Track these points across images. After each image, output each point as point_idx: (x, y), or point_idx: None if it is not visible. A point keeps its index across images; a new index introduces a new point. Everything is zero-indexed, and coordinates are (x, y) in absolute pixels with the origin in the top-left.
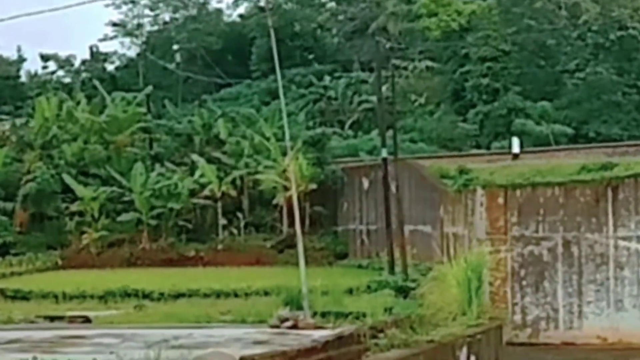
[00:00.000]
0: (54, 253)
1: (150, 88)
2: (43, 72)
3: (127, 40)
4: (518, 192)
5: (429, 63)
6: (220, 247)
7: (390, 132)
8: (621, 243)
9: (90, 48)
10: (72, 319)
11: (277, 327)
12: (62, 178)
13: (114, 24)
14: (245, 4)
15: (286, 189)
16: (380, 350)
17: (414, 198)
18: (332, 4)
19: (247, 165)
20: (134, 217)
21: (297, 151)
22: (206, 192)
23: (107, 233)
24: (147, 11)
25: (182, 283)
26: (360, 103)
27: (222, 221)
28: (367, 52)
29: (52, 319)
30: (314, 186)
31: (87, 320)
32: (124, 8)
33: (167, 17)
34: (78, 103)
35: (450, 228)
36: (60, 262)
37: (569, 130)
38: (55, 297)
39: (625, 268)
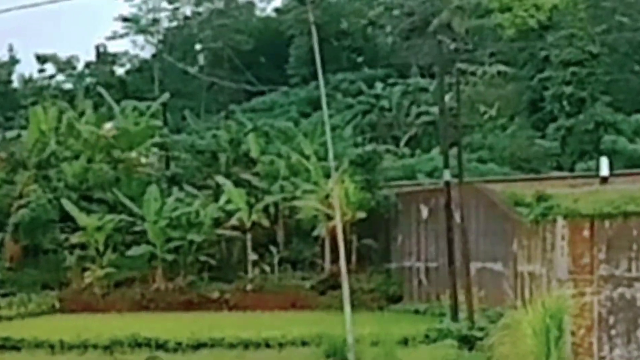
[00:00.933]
0: (51, 293)
1: (167, 96)
2: (39, 76)
3: (140, 38)
4: (607, 223)
5: (502, 67)
6: (249, 287)
7: (454, 150)
8: None
9: (97, 48)
10: None
11: None
12: (61, 204)
13: (125, 19)
14: None
15: (329, 218)
16: None
17: (482, 230)
18: None
19: (282, 190)
20: (146, 251)
21: (342, 173)
22: (233, 221)
23: (114, 270)
24: (164, 4)
25: (204, 331)
26: (418, 115)
27: (252, 256)
28: (427, 54)
29: None
30: (362, 215)
31: None
32: (137, 1)
33: (188, 11)
34: (81, 114)
35: (525, 266)
36: (57, 305)
37: None
38: (52, 346)
39: None
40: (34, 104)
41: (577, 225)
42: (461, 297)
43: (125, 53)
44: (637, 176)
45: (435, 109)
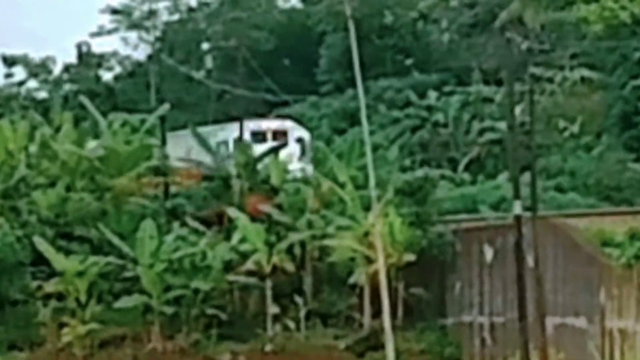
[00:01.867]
0: (19, 355)
1: (166, 107)
2: (6, 82)
3: (132, 35)
4: None
5: (586, 73)
6: (269, 348)
7: (526, 177)
8: None
9: (78, 47)
10: None
11: None
12: (33, 243)
13: (114, 11)
14: None
15: (370, 261)
16: None
17: (561, 276)
18: None
19: (310, 226)
20: (139, 301)
21: (386, 204)
22: (249, 265)
23: (100, 326)
24: None
25: None
26: (481, 132)
27: (273, 309)
28: (493, 55)
29: None
30: (411, 257)
31: None
32: None
33: (192, 1)
34: (58, 129)
35: (615, 321)
36: None
37: None
38: None
39: None
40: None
41: None
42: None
43: (114, 54)
44: None
45: (502, 125)
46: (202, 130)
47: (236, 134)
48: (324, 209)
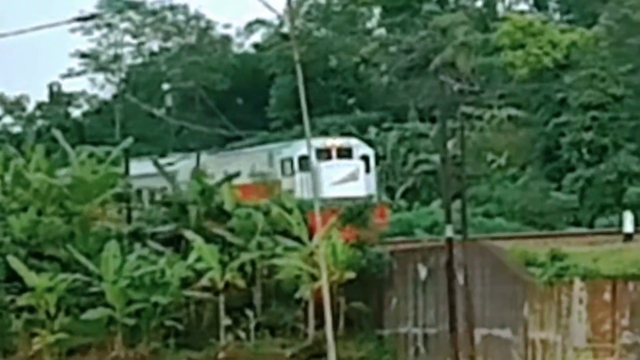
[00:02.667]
0: None
1: (130, 141)
2: None
3: (99, 76)
4: (631, 285)
5: (512, 111)
6: (221, 355)
7: (457, 204)
8: None
9: (50, 87)
10: None
11: None
12: (7, 261)
13: (83, 55)
14: (262, 30)
15: (314, 278)
16: None
17: (488, 293)
18: (382, 31)
19: (260, 247)
20: (104, 314)
21: (330, 228)
22: (204, 282)
23: (67, 336)
24: (127, 38)
25: None
26: (417, 164)
27: (226, 321)
28: (427, 95)
29: None
30: (352, 275)
31: None
32: (97, 34)
33: (154, 46)
34: (30, 160)
35: (537, 333)
36: None
37: None
38: None
39: None
40: None
41: (597, 287)
42: None
43: (83, 93)
44: None
45: (436, 157)
46: (268, 147)
47: (302, 151)
48: (273, 233)
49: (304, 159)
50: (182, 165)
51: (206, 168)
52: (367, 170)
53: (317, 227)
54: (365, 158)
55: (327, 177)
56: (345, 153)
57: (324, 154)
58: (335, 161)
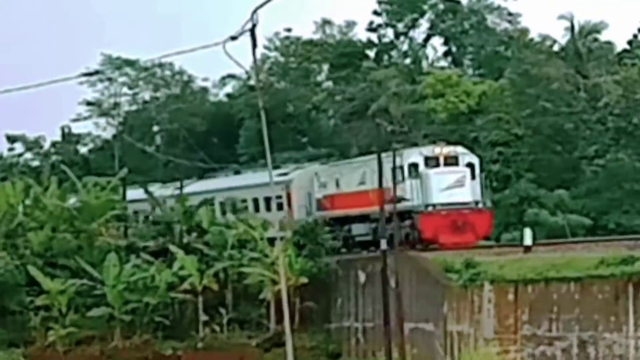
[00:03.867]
0: (16, 351)
1: (125, 171)
2: (9, 154)
3: (102, 120)
4: (530, 288)
5: None
6: (200, 345)
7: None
8: None
9: (62, 129)
10: None
11: None
12: (27, 269)
13: (89, 103)
14: (233, 83)
15: (274, 283)
16: None
17: (415, 293)
18: (329, 84)
19: (231, 257)
20: (105, 312)
21: (287, 242)
22: (186, 285)
23: (76, 329)
24: (125, 89)
25: None
26: None
27: (203, 317)
28: (366, 135)
29: None
30: (305, 280)
31: None
32: (100, 86)
33: (147, 96)
34: (46, 188)
35: (454, 326)
36: None
37: (587, 221)
38: None
39: None
40: (3, 179)
41: (503, 289)
42: (395, 355)
43: (89, 134)
44: (557, 245)
45: None
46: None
47: (412, 159)
48: (242, 246)
49: (413, 167)
50: (296, 174)
51: (319, 177)
52: (473, 177)
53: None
54: (470, 165)
55: (436, 184)
56: (452, 161)
57: (432, 161)
58: (443, 168)
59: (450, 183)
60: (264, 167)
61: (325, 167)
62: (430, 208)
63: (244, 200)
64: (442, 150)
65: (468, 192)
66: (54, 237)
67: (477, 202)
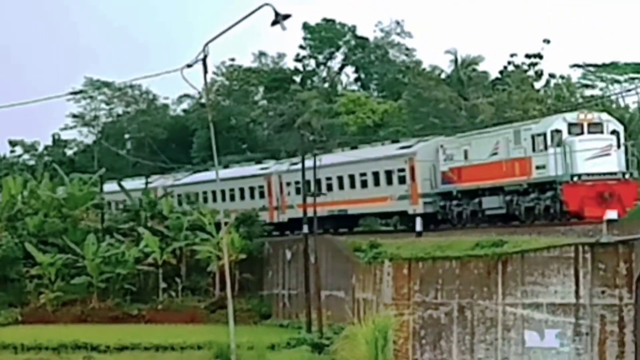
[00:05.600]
0: (15, 310)
1: (103, 170)
2: (10, 155)
3: (84, 129)
4: (420, 264)
5: None
6: (160, 307)
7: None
8: (508, 309)
9: (53, 136)
10: None
11: None
12: (24, 246)
13: (74, 116)
14: (188, 101)
15: (219, 258)
16: None
17: (330, 268)
18: (264, 102)
19: (186, 238)
20: (85, 280)
21: (230, 226)
22: (149, 260)
23: (62, 294)
24: (103, 105)
25: (126, 338)
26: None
27: (163, 285)
28: (293, 143)
29: None
30: (243, 256)
31: None
32: (83, 102)
33: (120, 110)
34: (40, 182)
35: (361, 294)
36: (20, 318)
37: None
38: (15, 348)
39: (512, 330)
40: (6, 175)
41: (399, 265)
42: (314, 316)
43: (74, 140)
44: (442, 231)
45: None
46: (514, 125)
47: (555, 126)
48: (194, 229)
49: (556, 133)
50: (419, 147)
51: (445, 149)
52: (618, 145)
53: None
54: (615, 133)
55: (581, 152)
56: (596, 128)
57: (576, 128)
58: (587, 135)
59: (596, 151)
60: (380, 143)
61: (451, 138)
62: (575, 178)
63: (364, 174)
64: (586, 116)
65: (614, 161)
66: (46, 221)
67: (623, 173)
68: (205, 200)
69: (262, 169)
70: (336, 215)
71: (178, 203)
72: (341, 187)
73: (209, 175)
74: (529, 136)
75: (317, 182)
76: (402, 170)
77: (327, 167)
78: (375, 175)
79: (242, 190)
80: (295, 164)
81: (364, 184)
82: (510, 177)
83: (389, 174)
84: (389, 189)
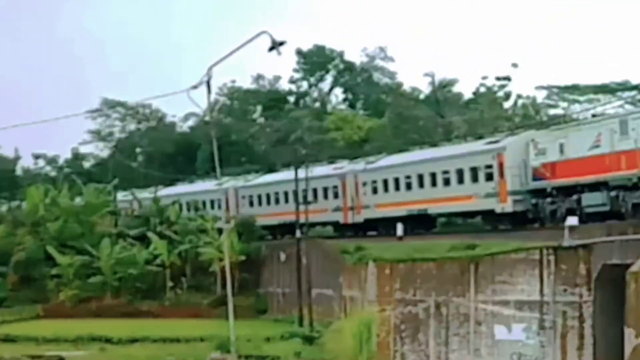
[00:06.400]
0: (37, 306)
1: (116, 181)
2: (34, 167)
3: (100, 144)
4: (401, 265)
5: None
6: (167, 303)
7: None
8: (480, 306)
9: (72, 150)
10: (49, 358)
11: None
12: (46, 249)
13: (91, 132)
14: (194, 118)
15: (221, 260)
16: None
17: (320, 269)
18: (261, 119)
19: (191, 242)
20: (100, 279)
21: (230, 231)
22: (158, 261)
23: (79, 292)
24: (117, 122)
25: (137, 331)
26: None
27: (170, 284)
28: (287, 157)
29: (33, 357)
30: (242, 258)
31: (61, 359)
32: (99, 120)
33: (132, 127)
34: (60, 191)
35: (347, 292)
36: (41, 314)
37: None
38: (37, 340)
39: (482, 325)
40: (30, 185)
41: (382, 266)
42: (305, 311)
43: (91, 153)
44: (421, 235)
45: None
46: (619, 114)
47: None
48: (198, 233)
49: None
50: (508, 141)
51: (536, 143)
52: None
53: None
54: None
55: None
56: None
57: None
58: None
59: None
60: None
61: (544, 132)
62: None
63: (446, 172)
64: None
65: None
66: (65, 226)
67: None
68: (281, 200)
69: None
70: (415, 215)
71: (249, 204)
72: (421, 185)
73: (282, 175)
74: (638, 125)
75: (395, 180)
76: (490, 166)
77: (406, 165)
78: (459, 172)
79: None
80: (372, 162)
81: (447, 182)
82: (615, 172)
83: (474, 170)
84: (473, 187)
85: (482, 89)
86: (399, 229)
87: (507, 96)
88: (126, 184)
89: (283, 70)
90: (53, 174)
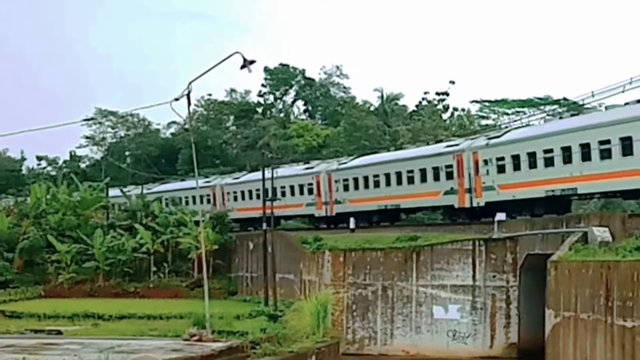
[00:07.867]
0: (39, 287)
1: (108, 179)
2: (37, 167)
3: (95, 148)
4: (353, 253)
5: None
6: (151, 285)
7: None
8: (421, 289)
9: (70, 152)
10: (49, 332)
11: (188, 340)
12: (47, 237)
13: (87, 137)
14: (175, 126)
15: (197, 248)
16: (257, 357)
17: (283, 256)
18: (233, 127)
19: (172, 232)
20: (94, 264)
21: (205, 224)
22: (143, 249)
23: (75, 275)
24: (109, 129)
25: (125, 309)
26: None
27: (153, 268)
28: (255, 160)
29: (36, 331)
30: (216, 247)
31: (59, 332)
32: (94, 127)
33: (122, 133)
34: (59, 188)
35: (307, 276)
36: (42, 293)
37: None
38: (39, 316)
39: (423, 306)
40: (33, 183)
41: (337, 254)
42: (270, 293)
43: (86, 156)
44: (371, 228)
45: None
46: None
47: None
48: (178, 225)
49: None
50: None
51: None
52: None
53: None
54: None
55: None
56: None
57: None
58: None
59: None
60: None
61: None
62: None
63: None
64: None
65: None
66: (64, 218)
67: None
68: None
69: (451, 145)
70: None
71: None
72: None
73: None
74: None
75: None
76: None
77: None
78: (423, 171)
79: (423, 171)
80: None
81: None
82: None
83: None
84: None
85: (424, 102)
86: (352, 222)
87: (446, 108)
88: (117, 182)
89: (253, 85)
90: (53, 173)
